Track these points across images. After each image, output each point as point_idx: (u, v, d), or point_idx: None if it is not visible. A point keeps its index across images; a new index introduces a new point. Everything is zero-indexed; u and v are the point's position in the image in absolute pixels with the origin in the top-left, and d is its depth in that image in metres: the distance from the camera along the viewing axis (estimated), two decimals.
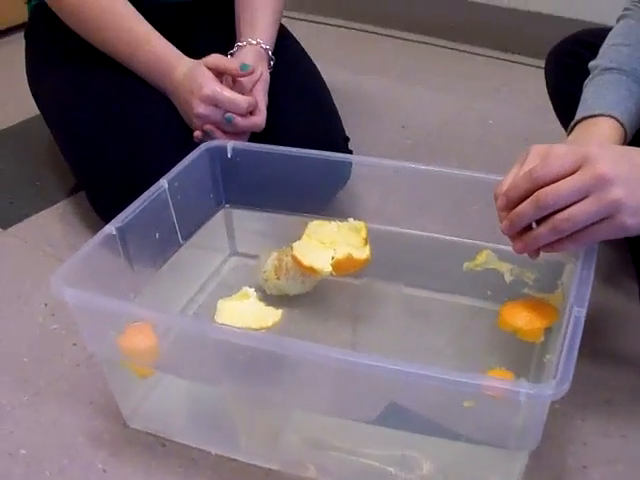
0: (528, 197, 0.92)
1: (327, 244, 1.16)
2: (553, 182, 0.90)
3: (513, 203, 0.94)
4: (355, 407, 0.91)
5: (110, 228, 1.04)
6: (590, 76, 1.16)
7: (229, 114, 1.29)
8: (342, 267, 1.13)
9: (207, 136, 1.31)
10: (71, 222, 1.48)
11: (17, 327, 1.24)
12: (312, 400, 0.92)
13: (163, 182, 1.12)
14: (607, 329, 1.20)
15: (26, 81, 1.56)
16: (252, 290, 1.14)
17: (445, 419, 0.87)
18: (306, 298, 1.23)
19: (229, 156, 1.22)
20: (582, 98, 1.13)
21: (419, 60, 2.16)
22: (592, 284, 0.93)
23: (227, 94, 1.29)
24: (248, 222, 1.30)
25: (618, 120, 1.08)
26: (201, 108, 1.30)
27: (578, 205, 0.89)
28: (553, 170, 0.90)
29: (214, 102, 1.29)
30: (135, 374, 1.00)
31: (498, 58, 2.14)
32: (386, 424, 0.89)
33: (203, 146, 1.22)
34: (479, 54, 2.17)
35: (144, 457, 1.02)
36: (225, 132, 1.31)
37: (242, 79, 1.33)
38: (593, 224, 0.90)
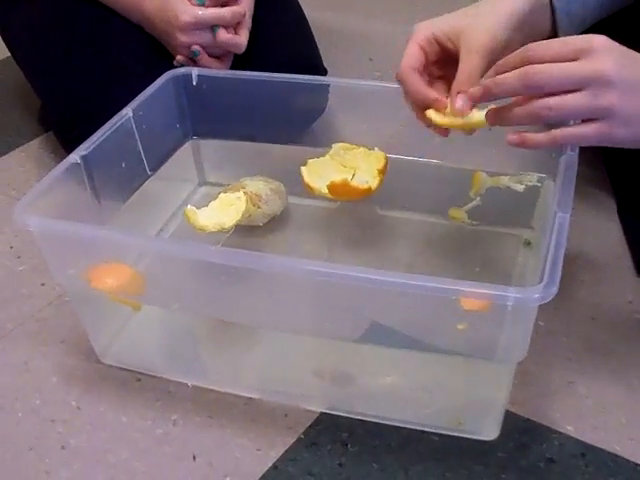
0: None
1: (348, 167, 1.12)
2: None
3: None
4: (337, 326, 0.88)
5: (74, 157, 1.00)
6: None
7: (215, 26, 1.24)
8: (338, 191, 1.10)
9: (189, 60, 1.26)
10: (33, 166, 1.44)
11: None
12: (294, 319, 0.89)
13: (127, 110, 1.08)
14: (588, 247, 1.19)
15: None
16: (190, 206, 1.06)
17: (427, 334, 0.85)
18: (279, 223, 1.21)
19: (194, 83, 1.18)
20: None
21: None
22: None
23: (209, 12, 1.24)
24: (217, 153, 1.26)
25: None
26: (184, 37, 1.24)
27: (568, 96, 0.80)
28: (550, 51, 0.81)
29: (197, 27, 1.24)
30: (129, 307, 0.97)
31: None
32: (368, 341, 0.87)
33: (167, 74, 1.17)
34: None
35: (119, 392, 1.00)
36: (210, 55, 1.26)
37: None
38: (577, 124, 0.82)
